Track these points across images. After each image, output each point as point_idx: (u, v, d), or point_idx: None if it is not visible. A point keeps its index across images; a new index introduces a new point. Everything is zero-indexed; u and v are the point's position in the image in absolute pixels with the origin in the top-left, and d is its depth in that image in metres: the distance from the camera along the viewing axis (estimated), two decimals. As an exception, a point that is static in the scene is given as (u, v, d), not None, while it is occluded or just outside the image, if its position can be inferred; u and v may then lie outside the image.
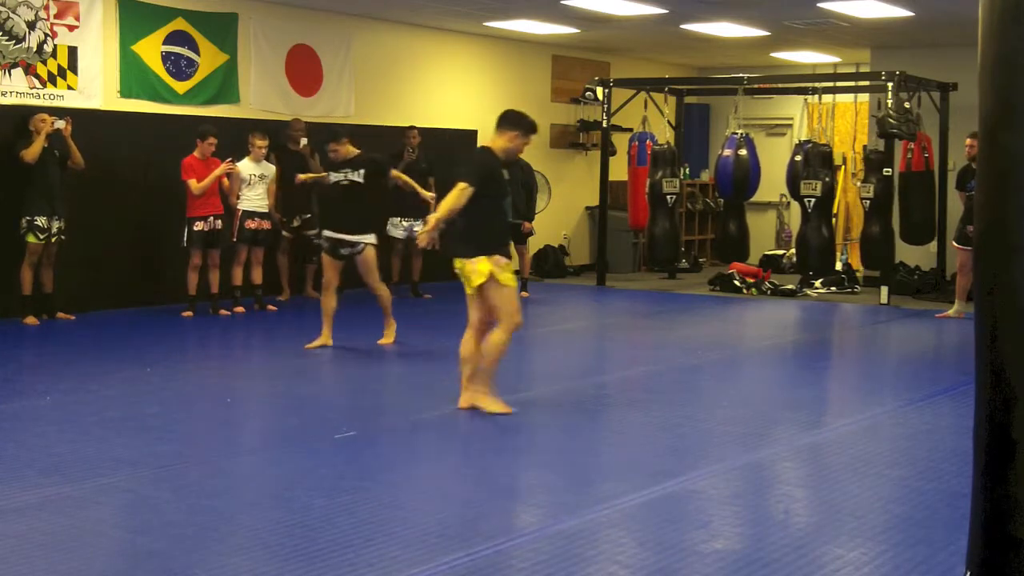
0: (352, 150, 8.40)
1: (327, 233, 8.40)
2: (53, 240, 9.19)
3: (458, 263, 6.28)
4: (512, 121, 6.36)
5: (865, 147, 13.21)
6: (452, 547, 4.10)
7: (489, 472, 5.37)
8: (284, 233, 10.90)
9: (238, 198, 10.10)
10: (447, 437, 6.05)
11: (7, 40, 9.34)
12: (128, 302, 10.17)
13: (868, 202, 12.39)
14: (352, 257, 8.35)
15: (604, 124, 13.66)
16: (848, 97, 14.18)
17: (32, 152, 8.99)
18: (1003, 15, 2.62)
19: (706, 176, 16.17)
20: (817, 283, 12.91)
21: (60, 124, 9.13)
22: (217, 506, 4.61)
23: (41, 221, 9.08)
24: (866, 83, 13.23)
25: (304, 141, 10.77)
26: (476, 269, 6.21)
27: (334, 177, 8.37)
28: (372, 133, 12.14)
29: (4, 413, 6.19)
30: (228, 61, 11.07)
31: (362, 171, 8.28)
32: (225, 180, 9.95)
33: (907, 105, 11.80)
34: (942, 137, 12.97)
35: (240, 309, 10.12)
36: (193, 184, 9.65)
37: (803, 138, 13.35)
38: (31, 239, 9.07)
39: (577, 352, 9.07)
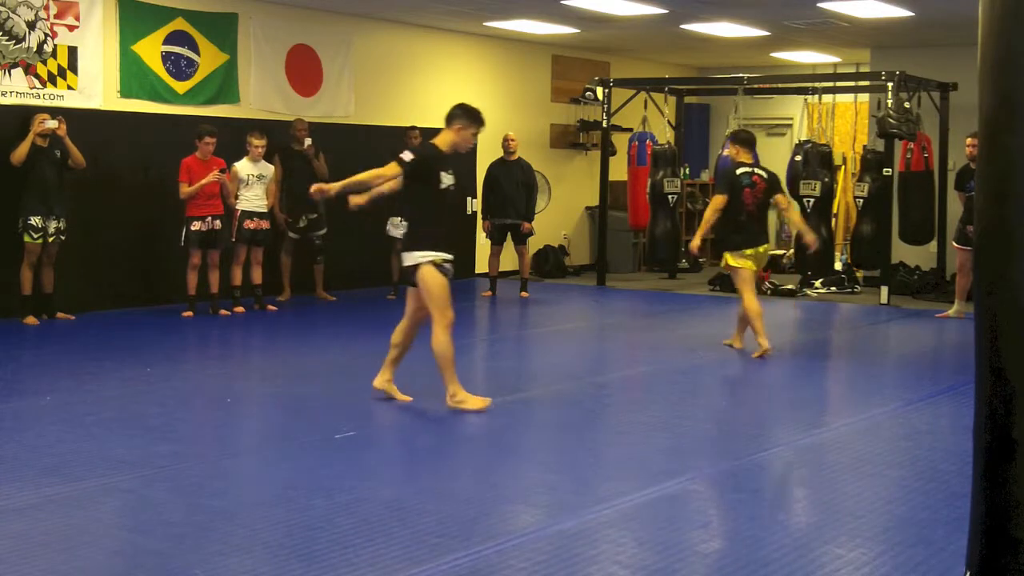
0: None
1: (445, 255, 6.35)
2: (51, 240, 9.18)
3: None
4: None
5: (864, 147, 13.20)
6: (452, 547, 4.10)
7: (489, 472, 5.37)
8: (291, 235, 10.88)
9: (236, 198, 10.12)
10: (447, 437, 6.05)
11: (7, 40, 9.33)
12: (128, 302, 10.17)
13: (861, 201, 12.37)
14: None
15: (604, 124, 13.65)
16: (848, 97, 14.16)
17: (18, 154, 8.97)
18: (1003, 15, 2.62)
19: (706, 176, 16.16)
20: (817, 283, 12.91)
21: (52, 124, 9.08)
22: (217, 506, 4.61)
23: (35, 221, 9.07)
24: (866, 83, 13.22)
25: (308, 141, 10.71)
26: None
27: (447, 181, 6.48)
28: (372, 133, 12.16)
29: (4, 413, 6.18)
30: (228, 61, 11.06)
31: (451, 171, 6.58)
32: (227, 181, 9.96)
33: (907, 105, 11.79)
34: (942, 137, 12.97)
35: (240, 309, 10.12)
36: (183, 188, 9.65)
37: (803, 138, 13.33)
38: (27, 239, 9.07)
39: (577, 352, 9.06)
